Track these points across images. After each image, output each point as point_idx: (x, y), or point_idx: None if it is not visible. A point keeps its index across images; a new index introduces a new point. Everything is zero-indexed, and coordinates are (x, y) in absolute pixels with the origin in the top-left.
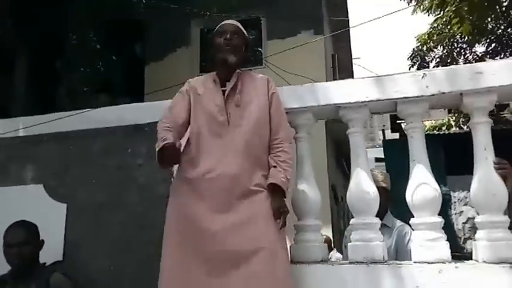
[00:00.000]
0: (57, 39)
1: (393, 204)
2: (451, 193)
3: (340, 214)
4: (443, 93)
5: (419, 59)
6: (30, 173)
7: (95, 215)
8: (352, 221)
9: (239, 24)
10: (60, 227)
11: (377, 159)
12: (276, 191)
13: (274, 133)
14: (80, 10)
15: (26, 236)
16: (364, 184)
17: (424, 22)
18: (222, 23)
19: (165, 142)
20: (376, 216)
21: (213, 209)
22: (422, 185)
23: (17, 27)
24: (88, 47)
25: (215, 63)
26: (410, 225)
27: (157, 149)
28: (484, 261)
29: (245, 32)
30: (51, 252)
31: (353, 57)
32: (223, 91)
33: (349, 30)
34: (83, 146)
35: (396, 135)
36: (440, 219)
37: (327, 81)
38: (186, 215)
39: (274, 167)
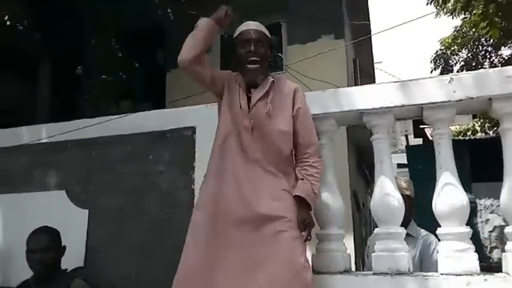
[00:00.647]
0: (80, 47)
1: (416, 212)
2: (477, 200)
3: (362, 221)
4: (471, 98)
5: (442, 62)
6: (54, 179)
7: (116, 221)
8: (376, 230)
9: (261, 27)
10: (82, 233)
11: (399, 165)
12: (302, 203)
13: (302, 147)
14: (102, 18)
15: (48, 242)
16: (389, 192)
17: (446, 25)
18: (243, 27)
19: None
20: (401, 225)
21: (233, 244)
22: (450, 193)
23: (41, 35)
24: (110, 55)
25: (243, 75)
26: (435, 235)
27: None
28: None
29: (268, 34)
30: (72, 258)
31: (375, 61)
32: (249, 97)
33: (370, 35)
34: (105, 153)
35: (419, 141)
36: (468, 230)
37: (348, 85)
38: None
39: (302, 179)
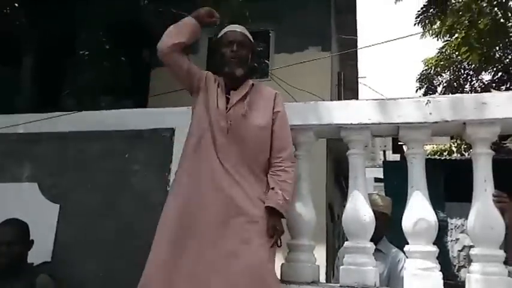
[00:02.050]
0: (66, 39)
1: (390, 227)
2: (448, 220)
3: (336, 233)
4: (447, 121)
5: (427, 82)
6: (26, 171)
7: (87, 218)
8: (346, 243)
9: (244, 30)
10: (52, 227)
11: (376, 180)
12: (273, 211)
13: (276, 151)
14: (91, 10)
15: (14, 234)
16: (360, 207)
17: (433, 46)
18: (227, 29)
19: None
20: (372, 240)
21: (207, 235)
22: (418, 213)
23: (27, 23)
24: (96, 48)
25: (222, 75)
26: (403, 252)
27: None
28: None
29: (251, 39)
30: (40, 252)
31: (359, 75)
32: (227, 98)
33: (357, 49)
34: (81, 148)
35: (397, 156)
36: (435, 249)
37: (331, 98)
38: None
39: (272, 188)
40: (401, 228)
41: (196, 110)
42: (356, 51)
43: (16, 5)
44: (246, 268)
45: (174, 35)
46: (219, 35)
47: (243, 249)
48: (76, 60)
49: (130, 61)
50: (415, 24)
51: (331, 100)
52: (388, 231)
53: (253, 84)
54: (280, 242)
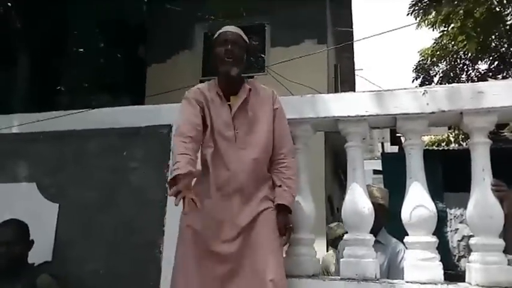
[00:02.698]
0: (61, 37)
1: (389, 219)
2: (447, 210)
3: None
4: (443, 111)
5: (423, 73)
6: (24, 171)
7: (86, 216)
8: (345, 236)
9: (239, 31)
10: (51, 226)
11: (375, 171)
12: (282, 209)
13: (277, 148)
14: (85, 8)
15: (15, 235)
16: (359, 200)
17: (428, 36)
18: (222, 30)
19: (177, 172)
20: (371, 232)
21: (221, 236)
22: (417, 204)
23: (21, 23)
24: (91, 46)
25: (218, 74)
26: (403, 243)
27: (168, 178)
28: (477, 285)
29: (246, 39)
30: (40, 252)
31: (356, 68)
32: (229, 105)
33: (353, 41)
34: (79, 147)
35: (396, 148)
36: (434, 239)
37: (328, 91)
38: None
39: (279, 186)
40: (401, 220)
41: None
42: (352, 44)
43: (9, 4)
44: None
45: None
46: (214, 36)
47: (260, 254)
48: (71, 59)
49: (125, 58)
50: (408, 14)
51: (328, 93)
52: (387, 222)
53: (250, 89)
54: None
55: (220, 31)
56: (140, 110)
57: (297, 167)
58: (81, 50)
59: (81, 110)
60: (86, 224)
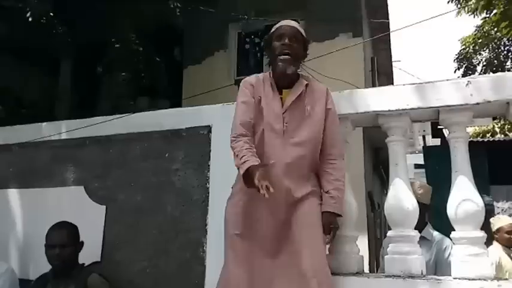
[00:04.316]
0: (101, 44)
1: (433, 213)
2: (494, 203)
3: (377, 222)
4: (489, 101)
5: (465, 62)
6: (72, 175)
7: (132, 217)
8: (389, 232)
9: (297, 25)
10: (99, 228)
11: (416, 166)
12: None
13: (327, 148)
14: (123, 14)
15: (66, 237)
16: (402, 195)
17: (469, 24)
18: (280, 24)
19: (249, 165)
20: (415, 228)
21: (263, 243)
22: (464, 198)
23: (63, 31)
24: (130, 52)
25: (274, 70)
26: (450, 238)
27: (241, 172)
28: None
29: (303, 33)
30: (90, 253)
31: (393, 60)
32: (281, 98)
33: (389, 32)
34: (123, 150)
35: (437, 141)
36: (482, 234)
37: (365, 85)
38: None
39: (327, 192)
40: (445, 214)
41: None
42: (389, 35)
43: (51, 14)
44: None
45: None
46: (272, 30)
47: (304, 253)
48: (111, 63)
49: (163, 61)
50: (448, 2)
51: (365, 87)
52: (431, 218)
53: (307, 85)
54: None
55: (278, 25)
56: (181, 112)
57: (345, 170)
58: (121, 54)
59: (123, 115)
60: (132, 225)
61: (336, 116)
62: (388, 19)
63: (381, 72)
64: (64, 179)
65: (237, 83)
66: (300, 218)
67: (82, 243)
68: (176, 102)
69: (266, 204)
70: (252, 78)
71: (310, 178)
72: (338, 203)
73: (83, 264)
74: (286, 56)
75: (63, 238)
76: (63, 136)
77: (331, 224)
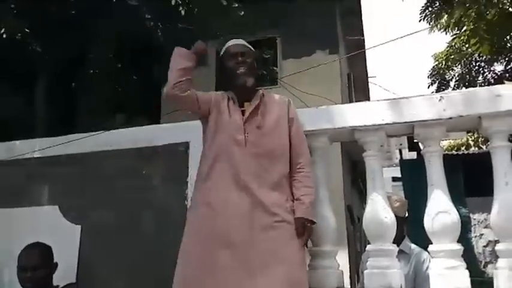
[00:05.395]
0: (77, 61)
1: (411, 225)
2: (471, 215)
3: (357, 236)
4: (461, 116)
5: (438, 77)
6: (46, 194)
7: (108, 237)
8: (368, 247)
9: (245, 43)
10: (74, 248)
11: (394, 179)
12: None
13: (295, 157)
14: (100, 31)
15: (39, 259)
16: (380, 210)
17: (441, 40)
18: (228, 44)
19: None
20: (393, 242)
21: (233, 244)
22: (440, 211)
23: (38, 47)
24: (107, 68)
25: (233, 87)
26: (428, 251)
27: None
28: None
29: (252, 49)
30: (64, 274)
31: (369, 75)
32: (243, 111)
33: (364, 50)
34: (98, 168)
35: (413, 154)
36: (459, 247)
37: (342, 100)
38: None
39: (297, 199)
40: (422, 226)
41: (208, 133)
42: (364, 52)
43: (27, 30)
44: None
45: (170, 81)
46: (221, 52)
47: (278, 256)
48: (88, 81)
49: (141, 78)
50: (420, 20)
51: (342, 102)
52: (409, 231)
53: (263, 94)
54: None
55: (226, 46)
56: (157, 129)
57: (315, 177)
58: (98, 72)
59: (99, 132)
60: (108, 244)
61: (299, 125)
62: (363, 36)
63: (357, 87)
64: (38, 198)
65: None
66: (272, 231)
67: (56, 264)
68: (155, 119)
69: (231, 215)
70: (215, 92)
71: (279, 188)
72: (309, 208)
73: (57, 286)
74: (243, 70)
75: (36, 260)
76: (37, 154)
77: (303, 223)
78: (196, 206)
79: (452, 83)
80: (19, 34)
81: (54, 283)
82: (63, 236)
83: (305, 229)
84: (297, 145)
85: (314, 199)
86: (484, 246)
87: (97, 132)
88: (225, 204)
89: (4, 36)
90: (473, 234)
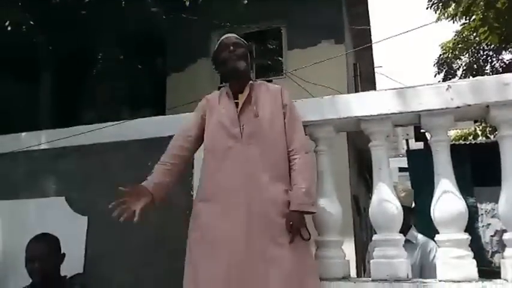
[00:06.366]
0: (82, 53)
1: (417, 215)
2: (478, 205)
3: (363, 226)
4: (469, 105)
5: (445, 66)
6: (53, 186)
7: (115, 227)
8: (374, 237)
9: (237, 36)
10: (81, 239)
11: (401, 169)
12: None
13: (289, 145)
14: (104, 23)
15: (47, 250)
16: (387, 199)
17: (448, 29)
18: (220, 40)
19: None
20: (400, 232)
21: (235, 235)
22: (447, 201)
23: (43, 40)
24: (112, 61)
25: (226, 76)
26: (435, 241)
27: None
28: None
29: (245, 42)
30: (72, 264)
31: (375, 65)
32: (236, 103)
33: (371, 39)
34: (105, 159)
35: (420, 144)
36: (466, 236)
37: (348, 90)
38: (210, 238)
39: (291, 190)
40: (429, 216)
41: (206, 129)
42: (370, 41)
43: (32, 23)
44: (285, 276)
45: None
46: (215, 48)
47: (278, 252)
48: (93, 73)
49: (145, 70)
50: (427, 8)
51: (348, 92)
52: (414, 221)
53: (253, 85)
54: (309, 235)
55: (219, 41)
56: (162, 121)
57: (312, 163)
58: (103, 63)
59: (104, 124)
60: (114, 235)
61: (294, 111)
62: (369, 25)
63: (363, 77)
64: (45, 190)
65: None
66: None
67: (63, 255)
68: (160, 111)
69: (231, 203)
70: (210, 94)
71: (280, 179)
72: (304, 198)
73: (65, 276)
74: (236, 57)
75: (43, 251)
76: (43, 146)
77: (290, 222)
78: (198, 204)
79: (459, 72)
80: (24, 27)
81: (62, 274)
82: (70, 227)
83: (292, 228)
84: (289, 131)
85: (310, 185)
86: (492, 236)
87: (102, 124)
88: (225, 205)
89: (9, 28)
90: (480, 224)
